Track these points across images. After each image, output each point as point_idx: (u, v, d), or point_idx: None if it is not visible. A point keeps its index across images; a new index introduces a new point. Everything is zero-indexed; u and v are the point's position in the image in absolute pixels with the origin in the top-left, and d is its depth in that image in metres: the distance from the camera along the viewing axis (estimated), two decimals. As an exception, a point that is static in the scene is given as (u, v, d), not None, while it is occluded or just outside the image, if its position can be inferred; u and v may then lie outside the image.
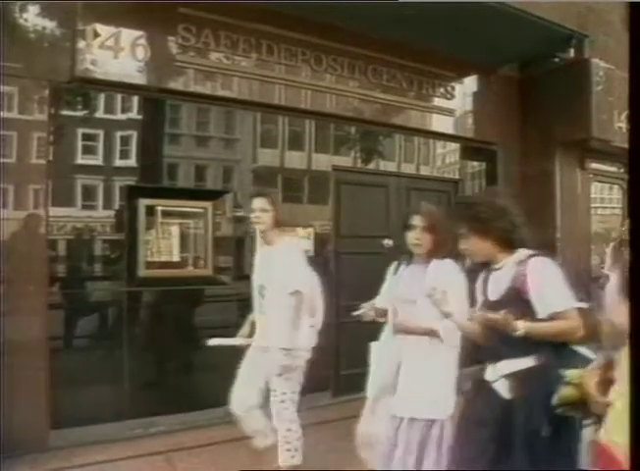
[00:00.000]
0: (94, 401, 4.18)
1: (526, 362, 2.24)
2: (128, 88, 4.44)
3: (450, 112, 6.07)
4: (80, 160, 4.60)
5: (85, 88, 4.36)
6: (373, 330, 5.53)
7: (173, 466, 3.70)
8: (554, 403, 2.12)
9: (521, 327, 2.16)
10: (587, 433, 2.23)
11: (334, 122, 5.56)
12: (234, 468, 3.57)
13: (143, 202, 4.57)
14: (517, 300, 2.25)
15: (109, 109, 4.72)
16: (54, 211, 4.12)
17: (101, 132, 4.68)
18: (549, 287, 2.25)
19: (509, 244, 2.37)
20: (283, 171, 5.49)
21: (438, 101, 5.98)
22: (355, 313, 3.09)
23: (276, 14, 4.72)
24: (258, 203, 3.39)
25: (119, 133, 4.74)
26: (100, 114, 4.66)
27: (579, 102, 5.94)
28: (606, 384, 1.98)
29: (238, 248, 5.04)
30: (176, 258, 4.77)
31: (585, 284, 4.95)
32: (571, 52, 5.99)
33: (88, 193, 4.61)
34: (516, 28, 5.14)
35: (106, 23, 4.14)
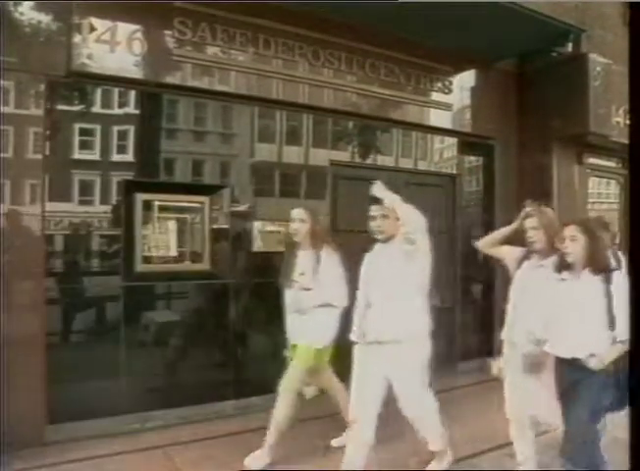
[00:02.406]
0: (91, 396, 4.18)
1: None
2: (124, 83, 4.42)
3: (447, 106, 6.06)
4: (77, 155, 4.59)
5: (82, 83, 4.34)
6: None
7: (170, 460, 3.71)
8: None
9: None
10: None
11: (331, 116, 5.55)
12: (231, 463, 3.59)
13: (141, 197, 4.56)
14: None
15: (106, 104, 4.70)
16: (51, 206, 4.11)
17: (98, 127, 4.66)
18: None
19: None
20: (280, 166, 5.48)
21: (435, 96, 5.97)
22: None
23: (273, 8, 4.71)
24: None
25: (116, 128, 4.72)
26: (97, 108, 4.64)
27: (577, 97, 5.93)
28: None
29: (235, 243, 5.04)
30: (173, 253, 4.77)
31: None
32: (569, 47, 5.96)
33: (85, 188, 4.60)
34: (514, 23, 5.13)
35: (102, 16, 4.12)
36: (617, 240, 7.00)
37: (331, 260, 3.67)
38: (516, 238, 3.58)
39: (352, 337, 3.35)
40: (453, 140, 6.58)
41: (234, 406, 4.74)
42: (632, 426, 1.71)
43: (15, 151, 3.90)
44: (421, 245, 3.19)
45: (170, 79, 4.53)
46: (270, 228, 5.11)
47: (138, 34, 4.27)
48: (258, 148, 5.38)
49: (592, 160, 6.77)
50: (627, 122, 5.92)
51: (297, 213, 3.78)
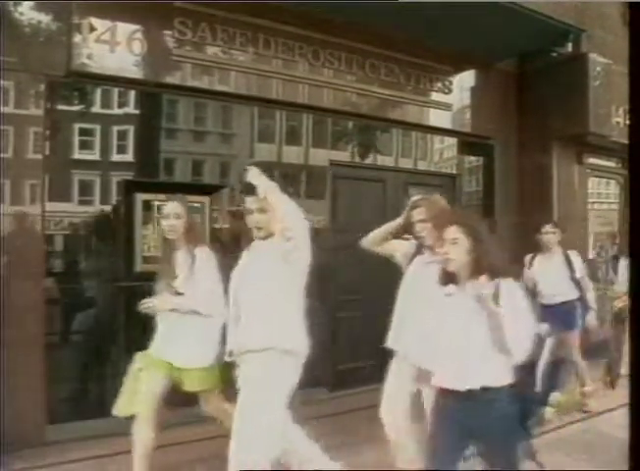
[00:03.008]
0: (91, 396, 4.18)
1: None
2: (124, 83, 4.42)
3: (447, 107, 6.06)
4: (77, 155, 4.60)
5: (82, 83, 4.34)
6: (369, 324, 5.54)
7: (170, 460, 3.70)
8: None
9: None
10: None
11: (331, 116, 5.55)
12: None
13: (140, 197, 4.56)
14: None
15: (106, 104, 4.71)
16: (51, 206, 4.11)
17: (98, 127, 4.67)
18: None
19: None
20: (280, 166, 5.48)
21: (435, 96, 5.97)
22: None
23: (273, 8, 4.70)
24: None
25: (116, 128, 4.73)
26: (97, 108, 4.65)
27: (577, 97, 5.94)
28: None
29: (235, 243, 5.03)
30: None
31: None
32: (569, 47, 5.98)
33: (85, 188, 4.60)
34: (514, 23, 5.12)
35: (102, 16, 4.12)
36: (617, 240, 7.01)
37: (206, 261, 3.10)
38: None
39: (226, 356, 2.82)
40: (452, 140, 6.59)
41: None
42: (632, 426, 1.70)
43: (15, 151, 3.89)
44: (300, 244, 2.68)
45: (170, 79, 4.52)
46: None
47: (138, 34, 4.27)
48: (258, 148, 5.39)
49: (592, 160, 6.77)
50: (627, 122, 5.92)
51: (172, 207, 3.17)
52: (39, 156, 3.99)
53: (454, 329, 2.36)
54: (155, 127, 4.85)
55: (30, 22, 3.83)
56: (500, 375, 2.26)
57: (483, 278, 2.29)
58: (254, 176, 2.73)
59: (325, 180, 5.42)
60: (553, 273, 4.56)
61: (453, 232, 2.38)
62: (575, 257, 4.67)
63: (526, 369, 2.27)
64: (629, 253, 2.75)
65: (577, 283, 4.59)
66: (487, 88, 6.31)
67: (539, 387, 2.29)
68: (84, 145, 4.60)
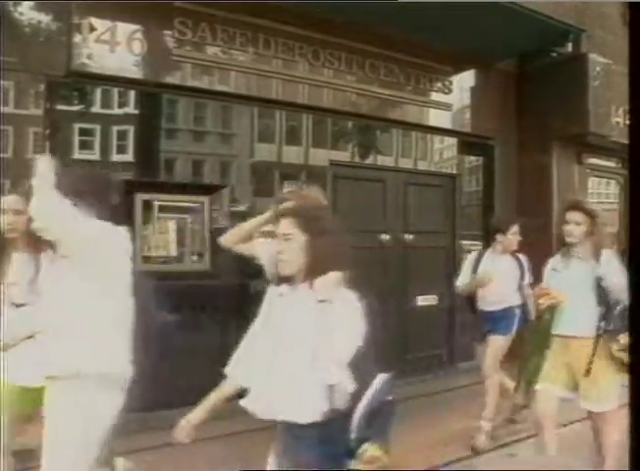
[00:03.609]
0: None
1: None
2: (124, 83, 4.42)
3: (447, 107, 6.06)
4: (77, 155, 4.59)
5: (82, 83, 4.34)
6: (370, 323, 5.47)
7: (167, 461, 3.70)
8: None
9: None
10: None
11: (331, 116, 5.56)
12: (230, 462, 3.58)
13: (140, 197, 4.56)
14: None
15: (105, 104, 4.71)
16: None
17: (98, 127, 4.67)
18: None
19: None
20: (280, 166, 5.48)
21: (435, 96, 5.97)
22: None
23: (273, 8, 4.70)
24: None
25: (115, 128, 4.73)
26: (97, 108, 4.65)
27: (577, 97, 5.94)
28: None
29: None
30: (173, 253, 4.77)
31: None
32: (569, 47, 5.98)
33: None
34: (514, 23, 5.12)
35: (102, 16, 4.12)
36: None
37: (55, 268, 2.34)
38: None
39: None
40: (452, 140, 6.59)
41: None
42: (632, 426, 1.71)
43: (15, 151, 3.89)
44: (66, 244, 2.13)
45: (170, 79, 4.53)
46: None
47: (138, 34, 4.27)
48: (258, 148, 5.38)
49: (592, 160, 6.77)
50: (627, 122, 5.92)
51: (11, 201, 2.67)
52: (39, 156, 3.99)
53: (276, 336, 1.95)
54: (155, 127, 4.85)
55: (30, 22, 3.83)
56: (310, 407, 1.81)
57: (320, 282, 1.90)
58: (37, 167, 2.15)
59: (325, 180, 5.42)
60: (503, 277, 4.07)
61: (285, 226, 1.96)
62: (525, 261, 4.21)
63: (341, 411, 1.80)
64: (629, 253, 2.74)
65: (522, 289, 4.14)
66: (487, 88, 6.31)
67: (353, 433, 1.79)
68: (84, 145, 4.61)
